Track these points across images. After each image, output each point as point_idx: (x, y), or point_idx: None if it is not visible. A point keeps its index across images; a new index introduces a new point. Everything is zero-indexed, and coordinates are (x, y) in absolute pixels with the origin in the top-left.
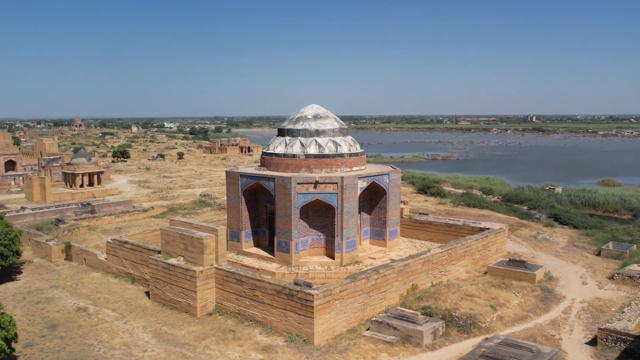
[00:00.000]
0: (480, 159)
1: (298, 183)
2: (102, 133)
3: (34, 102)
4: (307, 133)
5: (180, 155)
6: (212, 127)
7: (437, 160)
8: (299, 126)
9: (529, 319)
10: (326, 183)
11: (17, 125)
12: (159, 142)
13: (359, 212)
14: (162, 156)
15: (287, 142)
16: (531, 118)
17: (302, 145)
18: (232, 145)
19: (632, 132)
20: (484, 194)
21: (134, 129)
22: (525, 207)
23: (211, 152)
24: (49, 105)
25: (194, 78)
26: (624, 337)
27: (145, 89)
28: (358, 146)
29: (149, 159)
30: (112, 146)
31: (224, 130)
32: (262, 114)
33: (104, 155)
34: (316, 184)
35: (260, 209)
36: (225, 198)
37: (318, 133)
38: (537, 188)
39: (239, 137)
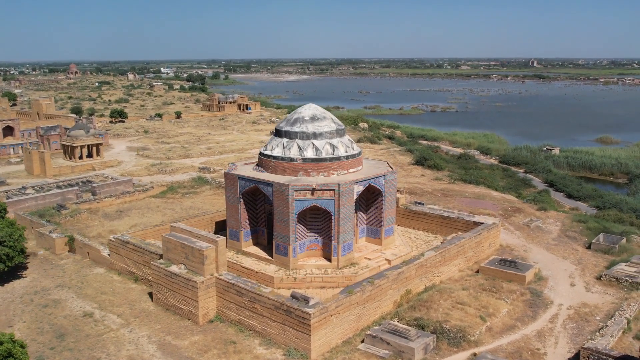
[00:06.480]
0: (480, 110)
1: (295, 190)
2: (98, 82)
3: (29, 45)
4: (304, 135)
5: (178, 115)
6: (210, 72)
7: (436, 112)
8: (296, 128)
9: (517, 329)
10: (323, 190)
11: (11, 72)
12: (156, 96)
13: (355, 212)
14: (159, 115)
15: (285, 144)
16: (532, 62)
17: (300, 148)
18: (230, 102)
19: (633, 80)
20: (481, 154)
21: (130, 76)
22: (522, 171)
23: (209, 110)
24: (44, 48)
25: (190, 20)
26: (605, 357)
27: (141, 31)
28: (355, 146)
29: (146, 119)
30: (109, 100)
31: (222, 77)
32: (260, 56)
33: (102, 115)
34: (313, 191)
35: (259, 209)
36: (223, 172)
37: (315, 135)
38: (534, 148)
39: (237, 86)
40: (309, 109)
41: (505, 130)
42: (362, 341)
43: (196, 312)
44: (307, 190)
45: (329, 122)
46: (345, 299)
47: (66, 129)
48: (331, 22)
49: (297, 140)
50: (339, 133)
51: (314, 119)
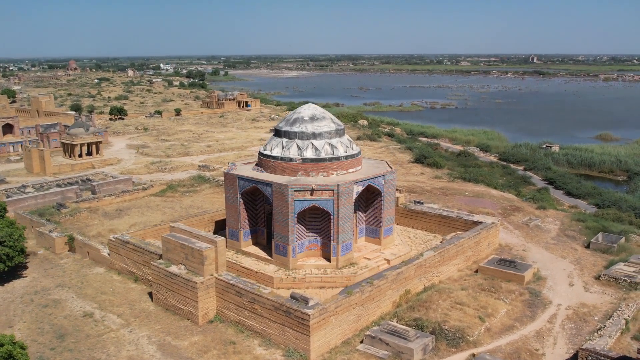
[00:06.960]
0: (479, 107)
1: (295, 190)
2: (97, 79)
3: (29, 41)
4: (303, 136)
5: (178, 112)
6: (209, 68)
7: (436, 109)
8: (295, 128)
9: (515, 330)
10: (322, 190)
11: (11, 69)
12: (155, 93)
13: (355, 212)
14: (159, 113)
15: (284, 144)
16: (532, 59)
17: (299, 148)
18: (230, 99)
19: (633, 76)
20: (481, 151)
21: (130, 72)
22: (522, 168)
23: (209, 107)
24: (43, 44)
25: (190, 15)
26: (603, 358)
27: (141, 27)
28: (354, 146)
29: (146, 116)
30: (108, 97)
31: (221, 73)
32: (260, 52)
33: (101, 112)
34: (312, 191)
35: (259, 209)
36: (223, 171)
37: (314, 136)
38: (534, 145)
39: (237, 82)
40: (308, 109)
41: (505, 127)
42: (361, 342)
43: (196, 312)
44: (307, 190)
45: (328, 122)
46: (345, 299)
47: (66, 126)
48: (331, 18)
49: (296, 140)
50: (339, 133)
51: (313, 119)
